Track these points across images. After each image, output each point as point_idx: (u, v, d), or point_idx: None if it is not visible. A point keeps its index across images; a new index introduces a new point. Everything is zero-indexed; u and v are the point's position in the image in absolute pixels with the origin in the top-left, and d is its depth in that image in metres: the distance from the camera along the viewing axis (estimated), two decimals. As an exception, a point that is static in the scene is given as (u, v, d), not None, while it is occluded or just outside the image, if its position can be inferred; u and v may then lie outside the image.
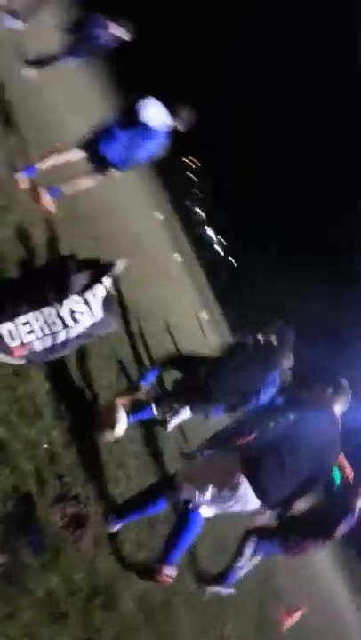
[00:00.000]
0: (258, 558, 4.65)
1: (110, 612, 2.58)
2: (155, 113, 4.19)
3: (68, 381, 3.43)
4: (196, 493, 3.02)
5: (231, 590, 4.24)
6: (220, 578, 4.23)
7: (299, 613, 6.45)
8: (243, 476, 2.96)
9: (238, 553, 4.50)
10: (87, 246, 5.26)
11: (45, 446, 2.74)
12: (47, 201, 4.27)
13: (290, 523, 4.26)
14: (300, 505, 3.40)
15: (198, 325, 14.62)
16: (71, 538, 2.59)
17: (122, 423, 3.55)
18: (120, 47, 6.17)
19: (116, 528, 3.11)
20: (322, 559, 15.13)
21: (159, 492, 3.17)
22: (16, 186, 4.03)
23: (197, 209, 46.62)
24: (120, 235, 7.35)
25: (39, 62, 6.07)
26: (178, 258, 12.53)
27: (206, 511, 3.10)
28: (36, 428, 2.75)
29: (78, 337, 2.90)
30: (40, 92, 6.64)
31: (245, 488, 2.96)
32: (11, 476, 2.32)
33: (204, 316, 12.88)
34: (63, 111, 8.25)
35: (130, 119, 4.19)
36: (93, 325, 2.93)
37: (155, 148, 4.50)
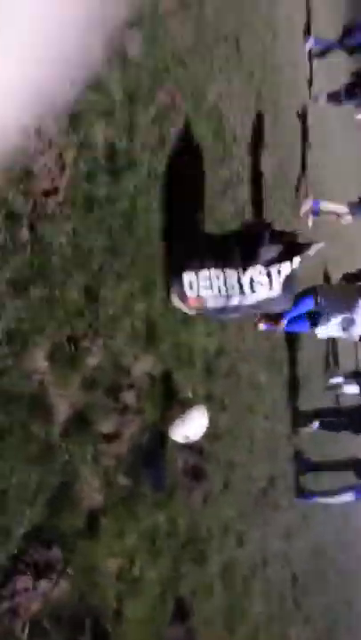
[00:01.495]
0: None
1: (196, 567, 2.71)
2: None
3: (227, 343, 3.51)
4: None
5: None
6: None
7: None
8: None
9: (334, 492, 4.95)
10: (283, 212, 5.16)
11: (189, 395, 2.89)
12: (307, 211, 4.96)
13: None
14: None
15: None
16: (186, 486, 2.74)
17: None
18: None
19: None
20: None
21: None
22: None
23: None
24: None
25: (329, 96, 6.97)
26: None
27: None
28: (185, 374, 2.89)
29: (250, 306, 2.92)
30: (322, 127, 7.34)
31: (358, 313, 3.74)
32: (154, 411, 2.51)
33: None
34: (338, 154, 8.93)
35: None
36: (268, 300, 2.90)
37: None
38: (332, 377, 6.91)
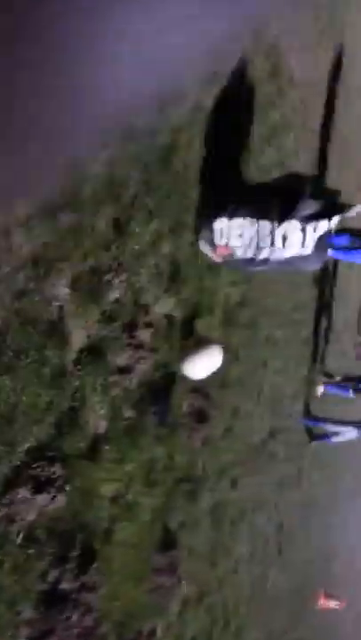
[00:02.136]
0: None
1: (188, 502, 2.84)
2: None
3: (250, 296, 3.48)
4: None
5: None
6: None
7: (335, 603, 6.45)
8: None
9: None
10: (329, 169, 4.94)
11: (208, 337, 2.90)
12: None
13: None
14: None
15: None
16: (189, 426, 2.82)
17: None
18: None
19: None
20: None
21: None
22: None
23: None
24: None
25: None
26: None
27: None
28: (204, 320, 2.89)
29: (280, 261, 2.86)
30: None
31: None
32: (168, 351, 2.54)
33: None
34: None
35: None
36: (298, 257, 2.83)
37: None
38: None
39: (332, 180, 4.82)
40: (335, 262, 5.73)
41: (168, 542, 2.70)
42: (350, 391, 5.42)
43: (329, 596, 6.37)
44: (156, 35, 2.01)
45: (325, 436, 5.28)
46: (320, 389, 5.34)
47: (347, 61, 5.11)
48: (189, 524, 2.90)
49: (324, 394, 5.35)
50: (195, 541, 2.96)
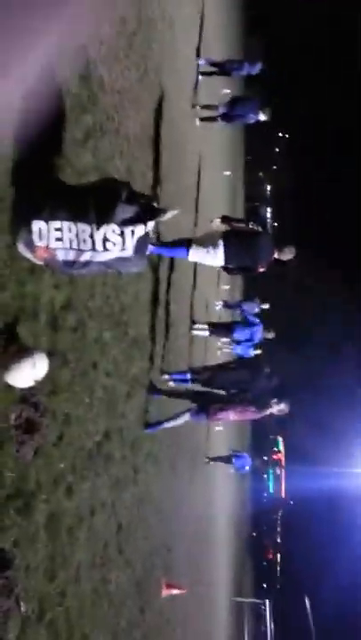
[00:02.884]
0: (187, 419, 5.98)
1: (21, 517, 2.70)
2: None
3: (75, 299, 3.46)
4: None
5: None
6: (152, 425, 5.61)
7: (177, 591, 6.82)
8: (222, 241, 4.97)
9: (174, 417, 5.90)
10: (145, 175, 5.17)
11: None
12: None
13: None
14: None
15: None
16: (16, 439, 2.68)
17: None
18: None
19: None
20: (220, 564, 15.61)
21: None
22: None
23: (267, 185, 45.83)
24: (181, 177, 7.24)
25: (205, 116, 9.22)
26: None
27: (193, 254, 5.06)
28: (27, 329, 2.80)
29: (101, 264, 2.90)
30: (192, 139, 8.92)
31: (221, 250, 4.95)
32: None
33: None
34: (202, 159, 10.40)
35: None
36: (119, 259, 2.90)
37: None
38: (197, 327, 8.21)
39: (147, 185, 5.05)
40: (171, 261, 6.06)
41: (2, 563, 2.54)
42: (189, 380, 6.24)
43: (170, 584, 6.66)
44: None
45: (158, 423, 5.62)
46: (165, 377, 6.25)
47: (154, 75, 5.40)
48: (24, 540, 2.76)
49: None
50: (31, 557, 2.83)
